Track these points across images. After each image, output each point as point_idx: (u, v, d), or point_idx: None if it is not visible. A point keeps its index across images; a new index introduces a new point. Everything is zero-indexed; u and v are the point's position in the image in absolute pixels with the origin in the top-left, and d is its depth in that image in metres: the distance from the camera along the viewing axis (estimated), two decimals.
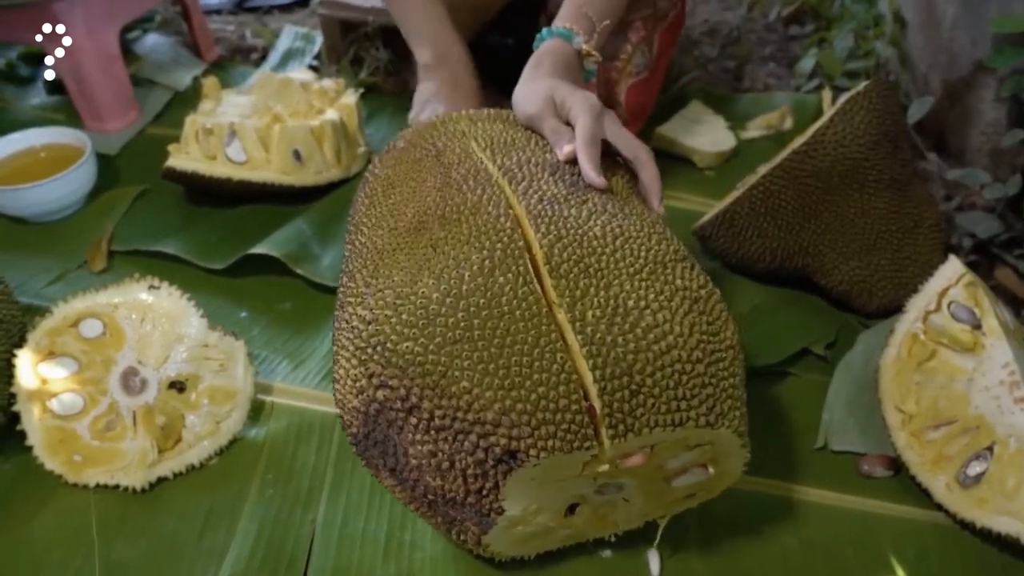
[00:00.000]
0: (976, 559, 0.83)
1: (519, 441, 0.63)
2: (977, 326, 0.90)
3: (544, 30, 0.97)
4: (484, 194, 0.77)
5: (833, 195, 1.06)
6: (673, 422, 0.65)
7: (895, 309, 1.02)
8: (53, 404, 0.90)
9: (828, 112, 1.08)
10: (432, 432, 0.66)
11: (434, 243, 0.73)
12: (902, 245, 1.08)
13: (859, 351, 1.04)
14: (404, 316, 0.68)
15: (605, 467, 0.67)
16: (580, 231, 0.73)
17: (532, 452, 0.63)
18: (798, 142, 1.07)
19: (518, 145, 0.86)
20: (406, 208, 0.81)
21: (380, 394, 0.68)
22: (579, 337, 0.66)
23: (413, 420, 0.67)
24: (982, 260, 1.22)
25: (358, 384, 0.70)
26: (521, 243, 0.72)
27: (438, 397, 0.65)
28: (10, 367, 0.90)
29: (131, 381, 0.92)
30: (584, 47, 0.94)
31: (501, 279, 0.68)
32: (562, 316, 0.67)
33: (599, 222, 0.74)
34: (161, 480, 0.90)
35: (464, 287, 0.68)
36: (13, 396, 0.90)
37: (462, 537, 0.74)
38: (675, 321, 0.68)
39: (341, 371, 0.73)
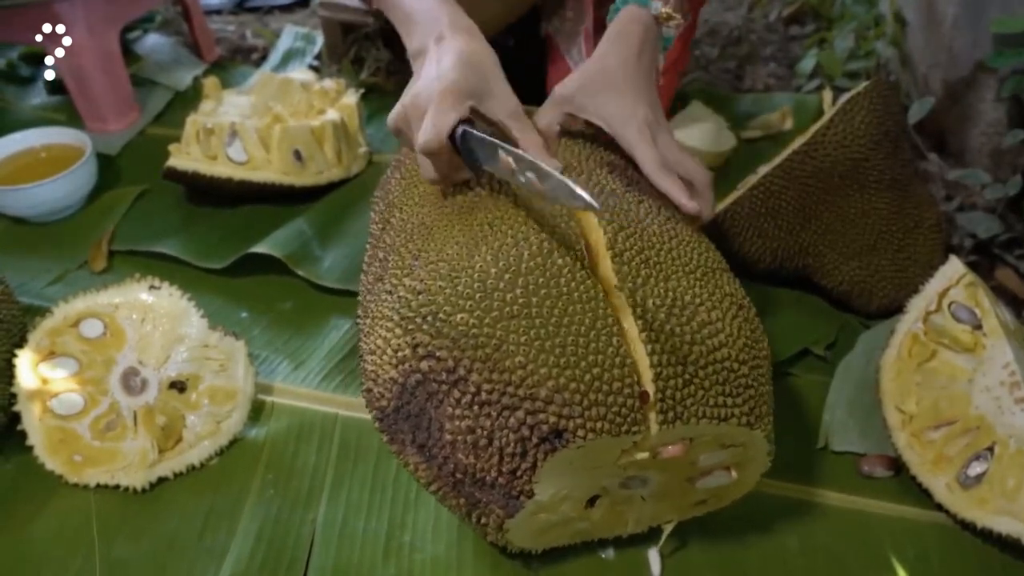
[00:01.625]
0: (976, 559, 0.83)
1: (569, 420, 0.63)
2: (978, 326, 0.90)
3: (617, 0, 0.92)
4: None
5: (833, 195, 1.06)
6: (719, 416, 0.67)
7: (896, 309, 1.02)
8: (54, 404, 0.90)
9: (828, 112, 1.08)
10: (475, 407, 0.66)
11: (490, 221, 0.74)
12: (903, 245, 1.08)
13: (859, 351, 1.04)
14: (460, 288, 0.68)
15: (645, 455, 0.67)
16: (640, 225, 0.75)
17: (580, 432, 0.63)
18: (798, 142, 1.07)
19: (573, 137, 0.88)
20: (454, 187, 0.81)
21: (425, 364, 0.68)
22: (639, 322, 0.67)
23: (456, 393, 0.66)
24: (983, 260, 1.22)
25: (400, 354, 0.69)
26: (577, 230, 0.72)
27: (489, 371, 0.65)
28: (11, 367, 0.90)
29: (132, 381, 0.92)
30: (663, 10, 0.90)
31: (560, 261, 0.69)
32: (622, 300, 0.68)
33: (656, 221, 0.77)
34: (161, 480, 0.90)
35: (523, 265, 0.68)
36: (14, 396, 0.90)
37: (483, 520, 0.73)
38: (726, 322, 0.70)
39: (379, 341, 0.72)
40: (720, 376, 0.68)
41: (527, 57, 1.47)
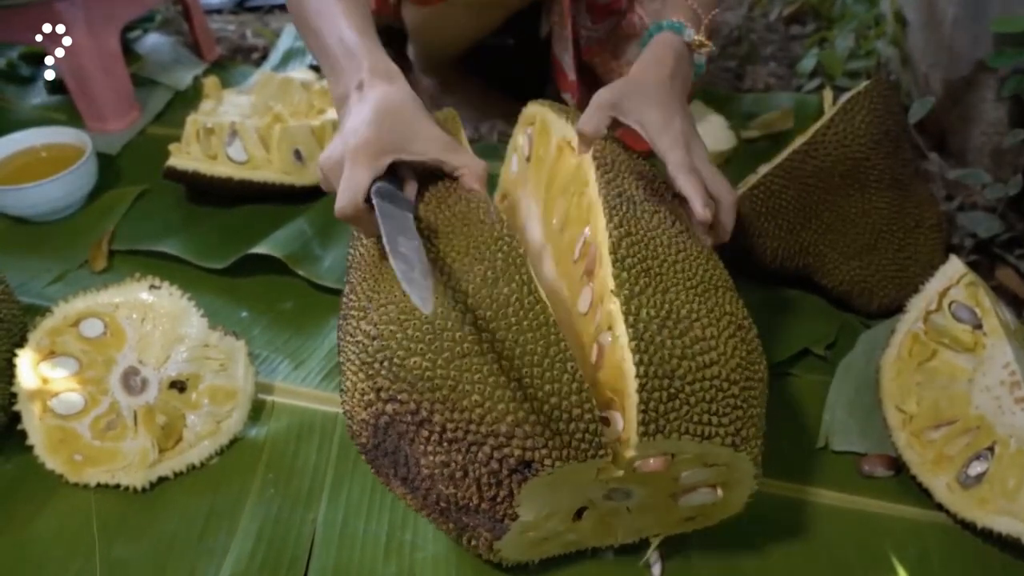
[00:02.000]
0: (977, 559, 0.83)
1: (533, 452, 0.63)
2: (978, 326, 0.90)
3: (653, 24, 0.95)
4: (471, 203, 0.77)
5: (834, 195, 1.06)
6: (701, 434, 0.66)
7: (896, 309, 1.02)
8: (54, 404, 0.90)
9: (829, 112, 1.08)
10: (444, 444, 0.66)
11: (433, 257, 0.73)
12: (903, 245, 1.08)
13: (860, 351, 1.04)
14: (410, 332, 0.68)
15: (620, 473, 0.67)
16: (649, 234, 0.74)
17: (547, 462, 0.63)
18: (799, 142, 1.07)
19: (615, 140, 0.88)
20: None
21: (390, 407, 0.68)
22: (630, 330, 0.66)
23: (424, 432, 0.67)
24: (983, 260, 1.22)
25: (366, 397, 0.70)
26: (521, 250, 0.72)
27: (449, 411, 0.65)
28: (11, 367, 0.90)
29: (132, 381, 0.92)
30: (696, 38, 0.93)
31: (505, 289, 0.68)
32: (616, 307, 0.68)
33: (666, 233, 0.76)
34: (162, 480, 0.90)
35: (469, 300, 0.68)
36: (14, 396, 0.90)
37: (473, 543, 0.74)
38: (720, 340, 0.69)
39: (348, 383, 0.73)
40: (708, 394, 0.67)
41: (527, 57, 1.47)
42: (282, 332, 1.11)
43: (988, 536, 0.81)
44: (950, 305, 0.93)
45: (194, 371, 0.94)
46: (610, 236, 0.72)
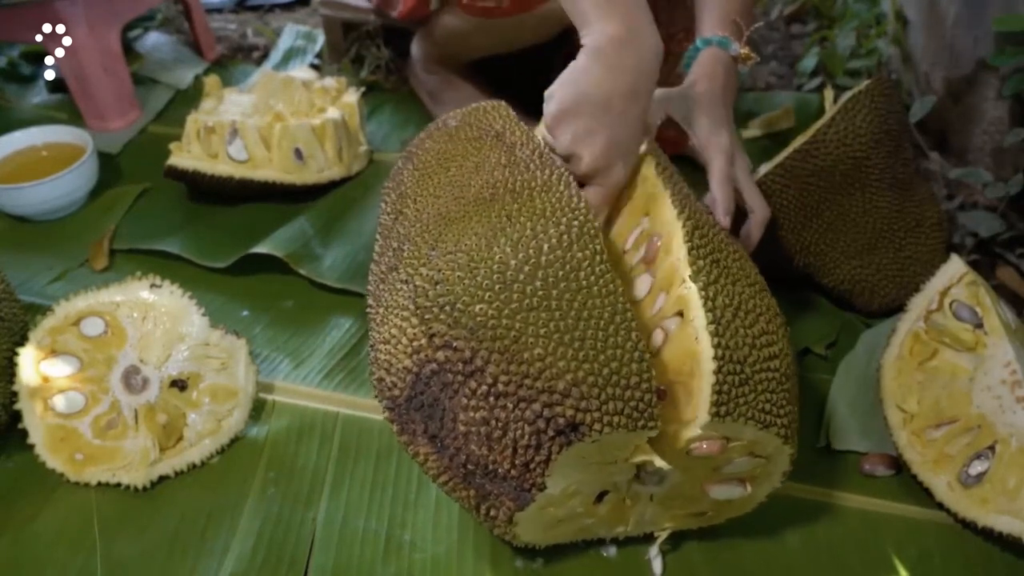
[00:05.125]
0: (978, 559, 0.83)
1: (586, 414, 0.63)
2: (979, 325, 0.90)
3: (700, 40, 0.99)
4: (553, 174, 0.77)
5: (835, 194, 1.06)
6: (763, 423, 0.68)
7: (897, 308, 1.02)
8: (55, 402, 0.90)
9: (830, 111, 1.08)
10: (491, 398, 0.66)
11: (508, 213, 0.74)
12: (904, 244, 1.08)
13: (861, 350, 1.04)
14: (479, 279, 0.68)
15: (654, 458, 0.68)
16: (712, 230, 0.78)
17: (596, 427, 0.64)
18: (800, 141, 1.07)
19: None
20: (471, 180, 0.81)
21: (441, 354, 0.67)
22: (708, 315, 0.68)
23: (472, 384, 0.66)
24: (984, 259, 1.22)
25: (415, 343, 0.69)
26: (597, 225, 0.73)
27: (507, 362, 0.65)
28: (12, 365, 0.90)
29: (132, 379, 0.92)
30: (742, 51, 0.97)
31: (579, 254, 0.69)
32: (692, 292, 0.70)
33: (722, 231, 0.81)
34: (162, 479, 0.90)
35: (543, 257, 0.68)
36: (15, 394, 0.90)
37: (492, 513, 0.73)
38: (778, 336, 0.72)
39: (393, 330, 0.72)
40: (771, 385, 0.69)
41: (527, 57, 1.47)
42: (283, 331, 1.11)
43: (989, 535, 0.81)
44: (951, 304, 0.93)
45: (195, 370, 0.94)
46: (683, 226, 0.74)
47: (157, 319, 0.95)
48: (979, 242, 1.23)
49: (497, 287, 0.67)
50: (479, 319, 0.66)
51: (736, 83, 0.99)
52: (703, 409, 0.66)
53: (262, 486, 0.90)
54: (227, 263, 1.19)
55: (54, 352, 0.91)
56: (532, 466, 0.66)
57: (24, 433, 0.90)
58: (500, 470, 0.67)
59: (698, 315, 0.69)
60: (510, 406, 0.65)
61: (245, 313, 1.14)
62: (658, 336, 0.73)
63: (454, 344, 0.67)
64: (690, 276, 0.71)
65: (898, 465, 0.91)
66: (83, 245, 1.25)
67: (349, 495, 0.89)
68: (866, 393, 0.98)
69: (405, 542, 0.84)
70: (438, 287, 0.69)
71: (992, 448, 0.83)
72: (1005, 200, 1.26)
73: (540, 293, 0.66)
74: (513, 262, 0.68)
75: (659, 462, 0.68)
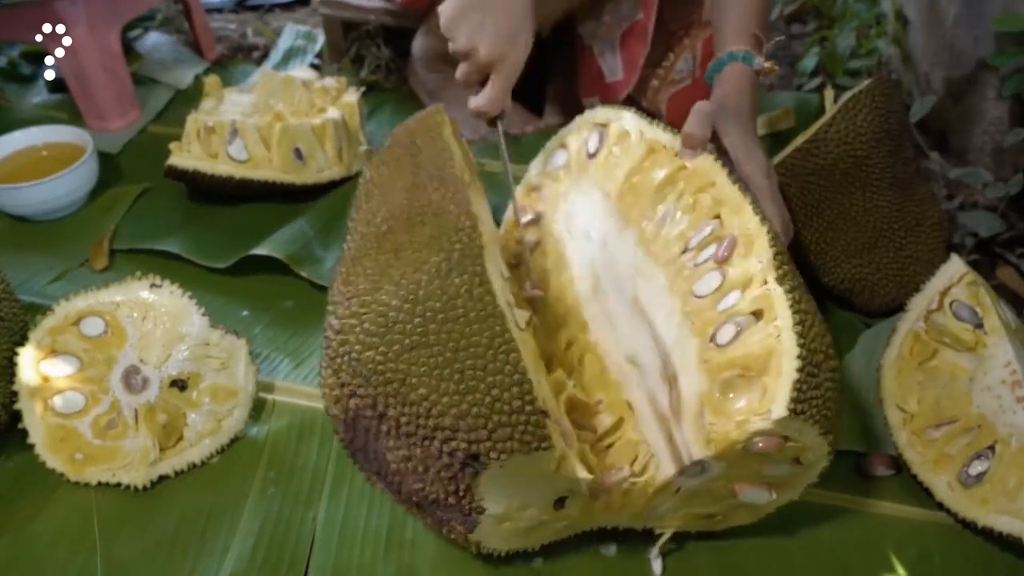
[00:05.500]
0: (978, 559, 0.83)
1: (478, 444, 0.64)
2: (979, 325, 0.90)
3: (724, 55, 1.02)
4: (447, 192, 0.78)
5: (835, 193, 1.06)
6: (824, 430, 0.69)
7: (897, 308, 1.02)
8: (55, 402, 0.90)
9: (831, 110, 1.08)
10: (403, 438, 0.67)
11: (396, 248, 0.75)
12: (904, 244, 1.08)
13: (860, 350, 1.04)
14: (367, 325, 0.69)
15: (581, 472, 0.68)
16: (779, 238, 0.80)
17: (492, 455, 0.64)
18: (800, 140, 1.07)
19: None
20: (378, 213, 0.82)
21: (352, 403, 0.69)
22: (795, 316, 0.71)
23: (384, 427, 0.68)
24: (984, 259, 1.22)
25: (334, 392, 0.71)
26: (480, 241, 0.73)
27: (400, 405, 0.66)
28: (12, 365, 0.90)
29: (133, 379, 0.92)
30: (765, 66, 1.00)
31: (457, 280, 0.70)
32: (778, 293, 0.72)
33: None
34: (163, 478, 0.90)
35: (421, 292, 0.69)
36: (15, 394, 0.90)
37: (452, 536, 0.75)
38: (836, 351, 0.74)
39: (321, 379, 0.75)
40: (833, 394, 0.70)
41: (561, 53, 1.47)
42: (283, 331, 1.11)
43: (989, 535, 0.81)
44: (951, 304, 0.93)
45: (195, 370, 0.94)
46: (768, 232, 0.77)
47: (157, 319, 0.95)
48: (979, 242, 1.23)
49: (382, 331, 0.68)
50: (370, 366, 0.67)
51: (759, 97, 1.03)
52: (780, 404, 0.67)
53: (262, 486, 0.90)
54: (227, 263, 1.19)
55: (54, 352, 0.91)
56: (461, 494, 0.67)
57: (24, 433, 0.89)
58: (439, 499, 0.69)
59: (783, 316, 0.71)
60: (418, 443, 0.66)
61: (245, 313, 1.14)
62: (728, 330, 0.74)
63: (358, 392, 0.68)
64: (776, 279, 0.73)
65: (898, 465, 0.91)
66: (83, 245, 1.25)
67: (349, 495, 0.89)
68: (866, 393, 0.98)
69: (406, 541, 0.84)
70: (338, 336, 0.71)
71: (992, 448, 0.83)
72: (1005, 200, 1.26)
73: (419, 331, 0.67)
74: (394, 302, 0.69)
75: (582, 474, 0.68)
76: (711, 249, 0.81)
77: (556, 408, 0.75)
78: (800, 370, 0.67)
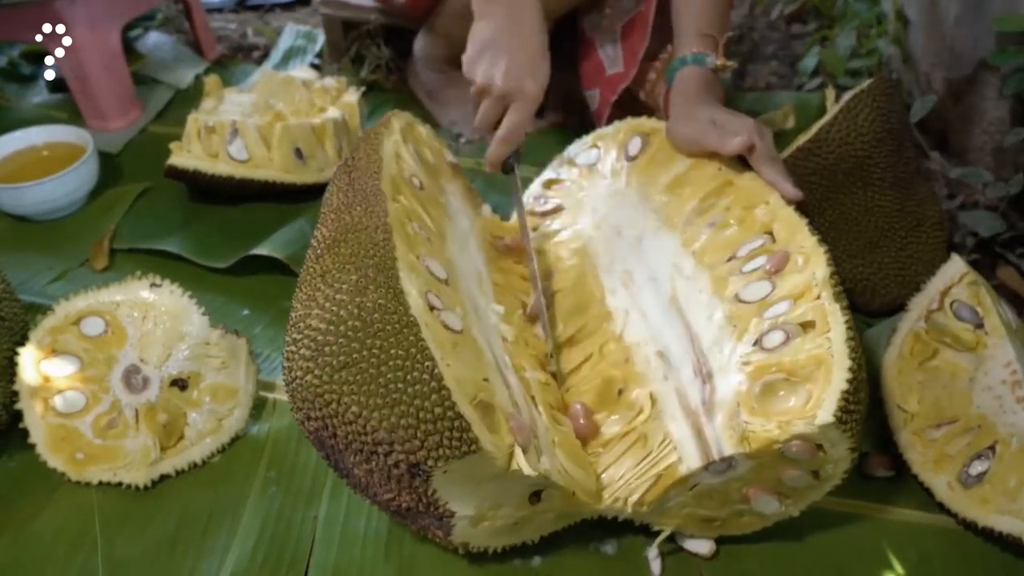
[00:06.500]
0: (978, 559, 0.83)
1: (415, 454, 0.65)
2: (979, 325, 0.90)
3: (675, 60, 1.08)
4: (368, 207, 0.80)
5: (836, 193, 1.06)
6: (852, 445, 0.72)
7: (898, 307, 1.02)
8: (55, 402, 0.90)
9: (832, 110, 1.08)
10: (357, 455, 0.68)
11: (324, 271, 0.76)
12: (905, 243, 1.08)
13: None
14: (302, 351, 0.70)
15: (788, 439, 0.70)
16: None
17: (430, 463, 0.65)
18: (802, 140, 1.07)
19: None
20: (320, 231, 0.83)
21: (310, 424, 0.70)
22: (849, 331, 0.73)
23: (340, 445, 0.69)
24: (984, 259, 1.22)
25: (298, 415, 0.72)
26: (393, 255, 0.74)
27: (342, 424, 0.67)
28: (12, 365, 0.90)
29: (133, 379, 0.92)
30: (717, 63, 1.06)
31: (372, 295, 0.70)
32: (837, 311, 0.75)
33: None
34: (163, 478, 0.90)
35: (342, 312, 0.70)
36: (15, 394, 0.90)
37: (437, 540, 0.76)
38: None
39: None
40: (863, 414, 0.72)
41: (562, 51, 1.47)
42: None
43: (989, 536, 0.81)
44: (951, 304, 0.93)
45: (195, 369, 0.94)
46: (825, 253, 0.80)
47: (157, 318, 0.95)
48: (980, 242, 1.23)
49: (314, 355, 0.69)
50: (310, 390, 0.68)
51: (720, 88, 1.07)
52: (826, 410, 0.69)
53: (263, 485, 0.90)
54: (227, 263, 1.19)
55: (54, 352, 0.91)
56: (426, 501, 0.69)
57: (25, 433, 0.90)
58: (412, 507, 0.70)
59: (838, 331, 0.73)
60: (371, 458, 0.67)
61: (245, 312, 1.14)
62: (776, 336, 0.77)
63: (310, 415, 0.69)
64: (832, 297, 0.76)
65: (898, 465, 0.90)
66: (83, 245, 1.25)
67: (350, 494, 0.89)
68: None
69: (406, 540, 0.84)
70: (286, 364, 0.72)
71: (992, 448, 0.83)
72: (1005, 200, 1.26)
73: (344, 351, 0.68)
74: (321, 325, 0.70)
75: (527, 470, 0.68)
76: (760, 260, 0.84)
77: (524, 404, 0.76)
78: (849, 382, 0.70)
